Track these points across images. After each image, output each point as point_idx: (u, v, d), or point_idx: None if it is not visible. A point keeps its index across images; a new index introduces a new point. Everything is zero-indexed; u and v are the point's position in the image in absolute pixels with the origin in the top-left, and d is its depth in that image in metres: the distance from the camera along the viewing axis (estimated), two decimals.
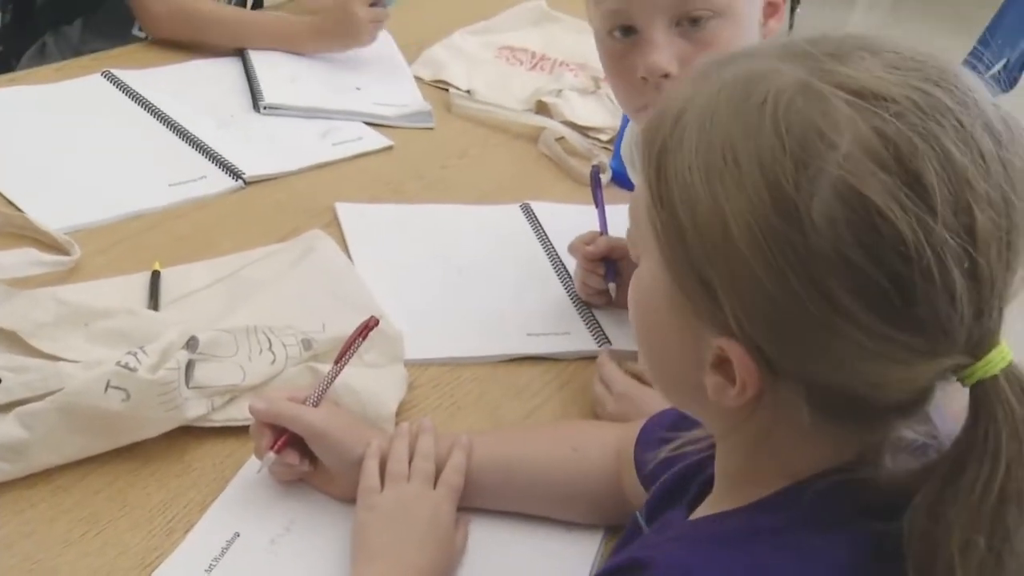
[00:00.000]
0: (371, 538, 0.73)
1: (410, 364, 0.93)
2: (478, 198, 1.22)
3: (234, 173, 1.17)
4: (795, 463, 0.50)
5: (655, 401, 0.84)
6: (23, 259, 0.95)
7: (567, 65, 1.54)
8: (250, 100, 1.32)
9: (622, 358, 0.92)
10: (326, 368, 0.86)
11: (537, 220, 1.18)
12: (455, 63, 1.51)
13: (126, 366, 0.78)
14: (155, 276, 0.98)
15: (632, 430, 0.77)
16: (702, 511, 0.57)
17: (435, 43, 1.55)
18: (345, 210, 1.14)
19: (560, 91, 1.44)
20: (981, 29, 2.22)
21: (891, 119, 0.42)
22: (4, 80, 1.30)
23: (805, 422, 0.47)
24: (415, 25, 1.59)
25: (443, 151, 1.31)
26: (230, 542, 0.75)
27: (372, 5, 1.41)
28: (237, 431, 0.84)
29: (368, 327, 0.84)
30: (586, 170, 1.25)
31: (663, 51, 0.81)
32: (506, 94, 1.45)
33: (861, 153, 0.42)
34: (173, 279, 0.99)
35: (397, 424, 0.85)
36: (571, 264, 1.08)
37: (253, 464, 0.81)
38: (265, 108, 1.30)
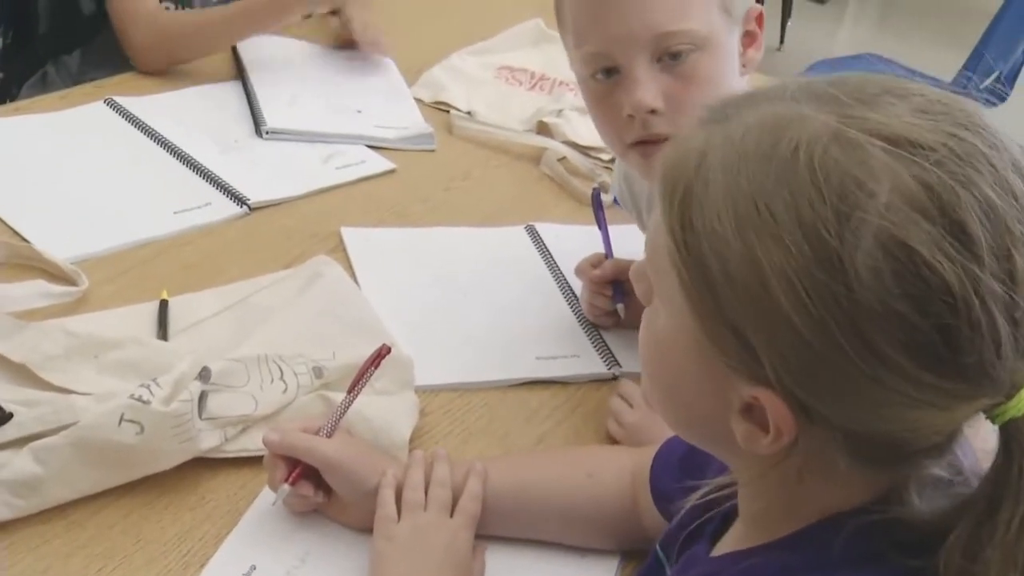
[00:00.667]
0: (389, 568, 0.73)
1: (420, 390, 0.93)
2: (482, 220, 1.22)
3: (239, 199, 1.17)
4: (824, 501, 0.50)
5: (664, 430, 0.85)
6: (31, 291, 0.95)
7: (567, 85, 1.54)
8: (252, 125, 1.33)
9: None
10: (337, 396, 0.86)
11: (542, 241, 1.19)
12: (455, 84, 1.52)
13: (139, 399, 0.78)
14: (163, 305, 0.98)
15: (647, 454, 0.77)
16: (725, 546, 0.57)
17: (434, 65, 1.56)
18: (350, 234, 1.15)
19: (561, 111, 1.45)
20: (965, 42, 2.24)
21: (931, 168, 0.42)
22: (8, 109, 1.30)
23: (840, 467, 0.47)
24: (414, 47, 1.59)
25: (446, 173, 1.32)
26: (246, 575, 0.75)
27: None
28: (250, 461, 0.84)
29: (381, 355, 0.84)
30: (589, 190, 1.25)
31: (647, 87, 0.81)
32: (506, 114, 1.46)
33: (902, 202, 0.42)
34: (181, 308, 0.99)
35: (410, 452, 0.85)
36: (577, 285, 1.08)
37: (267, 495, 0.80)
38: (268, 133, 1.30)
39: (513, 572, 0.78)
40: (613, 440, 0.92)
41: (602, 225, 1.08)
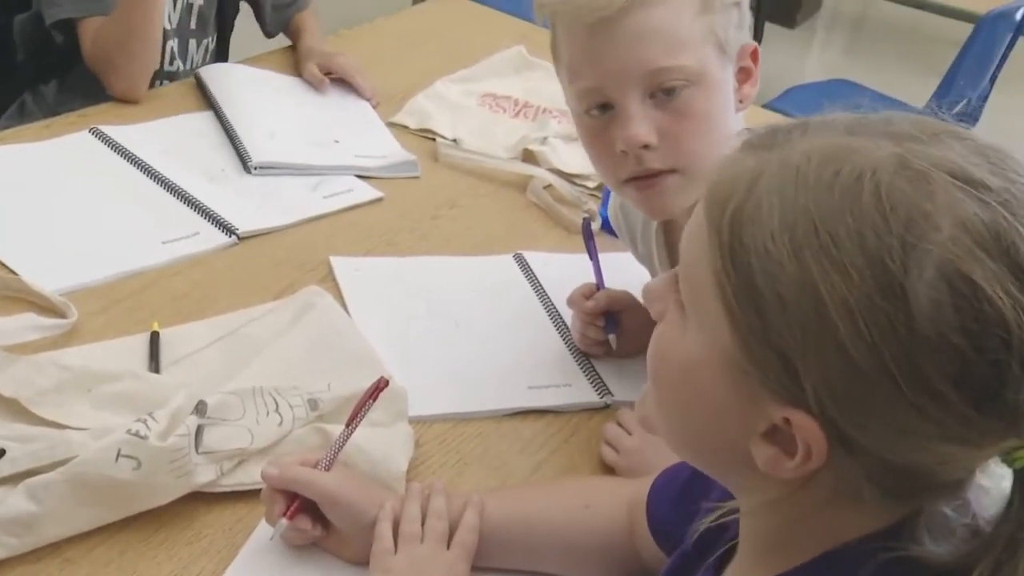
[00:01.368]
0: None
1: (414, 421, 0.93)
2: (471, 249, 1.23)
3: (227, 229, 1.17)
4: (835, 530, 0.50)
5: (662, 456, 0.86)
6: (21, 324, 0.94)
7: (550, 112, 1.56)
8: (234, 154, 1.32)
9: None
10: (333, 428, 0.86)
11: (531, 270, 1.20)
12: (440, 112, 1.53)
13: (136, 434, 0.78)
14: (154, 337, 0.98)
15: (644, 485, 0.78)
16: None
17: (418, 92, 1.56)
18: (340, 264, 1.15)
19: (545, 138, 1.46)
20: (931, 67, 2.29)
21: (997, 207, 0.43)
22: None
23: (864, 497, 0.47)
24: (397, 75, 1.60)
25: (433, 201, 1.32)
26: None
27: None
28: (246, 495, 0.83)
29: (379, 388, 0.84)
30: (576, 218, 1.27)
31: (641, 123, 0.82)
32: (492, 142, 1.47)
33: (966, 237, 0.43)
34: (173, 339, 0.98)
35: (407, 483, 0.85)
36: (567, 314, 1.09)
37: (264, 529, 0.80)
38: (256, 169, 1.29)
39: None
40: (607, 468, 0.92)
41: (593, 255, 1.09)
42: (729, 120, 0.85)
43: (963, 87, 2.06)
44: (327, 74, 1.53)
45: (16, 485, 0.76)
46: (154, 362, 0.95)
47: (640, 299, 1.04)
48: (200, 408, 0.83)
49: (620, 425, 0.93)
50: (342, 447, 0.81)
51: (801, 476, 0.48)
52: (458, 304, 1.12)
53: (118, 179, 1.23)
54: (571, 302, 1.06)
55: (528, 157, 1.44)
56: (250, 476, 0.84)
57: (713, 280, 0.48)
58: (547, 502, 0.83)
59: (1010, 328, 0.42)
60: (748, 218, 0.46)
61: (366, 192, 1.31)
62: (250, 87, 1.47)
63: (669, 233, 0.97)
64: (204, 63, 1.55)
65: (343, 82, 1.54)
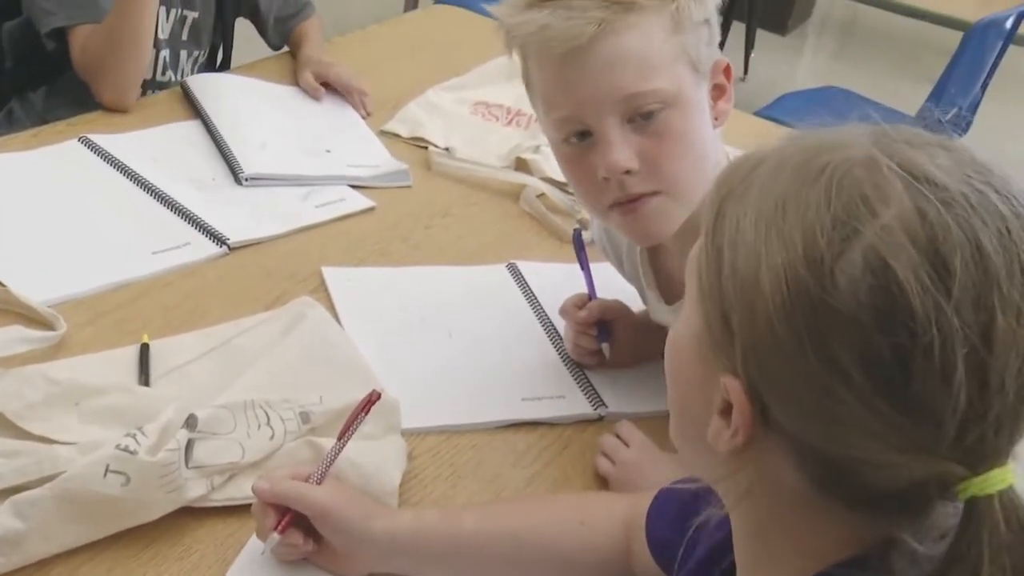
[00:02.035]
0: None
1: (407, 433, 0.92)
2: (464, 258, 1.22)
3: (218, 239, 1.16)
4: (807, 550, 0.50)
5: (659, 471, 0.85)
6: (8, 336, 0.93)
7: None
8: (223, 163, 1.31)
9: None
10: (325, 441, 0.85)
11: (524, 280, 1.19)
12: (432, 120, 1.52)
13: (126, 449, 0.77)
14: (144, 349, 0.97)
15: (642, 501, 0.77)
16: None
17: (410, 100, 1.56)
18: (332, 274, 1.14)
19: (538, 147, 1.46)
20: (921, 74, 2.30)
21: (935, 202, 0.44)
22: None
23: (798, 489, 0.48)
24: (389, 83, 1.60)
25: (426, 210, 1.32)
26: None
27: None
28: (237, 510, 0.82)
29: (371, 401, 0.83)
30: (569, 227, 1.26)
31: (620, 149, 0.82)
32: (484, 150, 1.47)
33: (899, 227, 0.44)
34: (163, 351, 0.97)
35: (400, 496, 0.84)
36: (560, 324, 1.09)
37: (254, 544, 0.79)
38: (247, 180, 1.28)
39: None
40: (602, 481, 0.92)
41: (584, 266, 1.09)
42: (707, 138, 0.85)
43: (954, 95, 2.07)
44: (323, 84, 1.52)
45: (2, 502, 0.75)
46: (144, 375, 0.94)
47: (632, 308, 1.04)
48: (190, 422, 0.82)
49: (619, 437, 0.93)
50: (334, 461, 0.81)
51: (735, 453, 0.49)
52: (451, 315, 1.11)
53: (107, 189, 1.22)
54: (563, 312, 1.05)
55: (521, 166, 1.43)
56: (241, 491, 0.83)
57: (695, 256, 0.51)
58: (543, 517, 0.82)
59: (916, 317, 0.43)
60: (736, 196, 0.50)
61: (358, 201, 1.30)
62: (239, 96, 1.46)
63: (654, 255, 0.97)
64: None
65: (336, 91, 1.54)
